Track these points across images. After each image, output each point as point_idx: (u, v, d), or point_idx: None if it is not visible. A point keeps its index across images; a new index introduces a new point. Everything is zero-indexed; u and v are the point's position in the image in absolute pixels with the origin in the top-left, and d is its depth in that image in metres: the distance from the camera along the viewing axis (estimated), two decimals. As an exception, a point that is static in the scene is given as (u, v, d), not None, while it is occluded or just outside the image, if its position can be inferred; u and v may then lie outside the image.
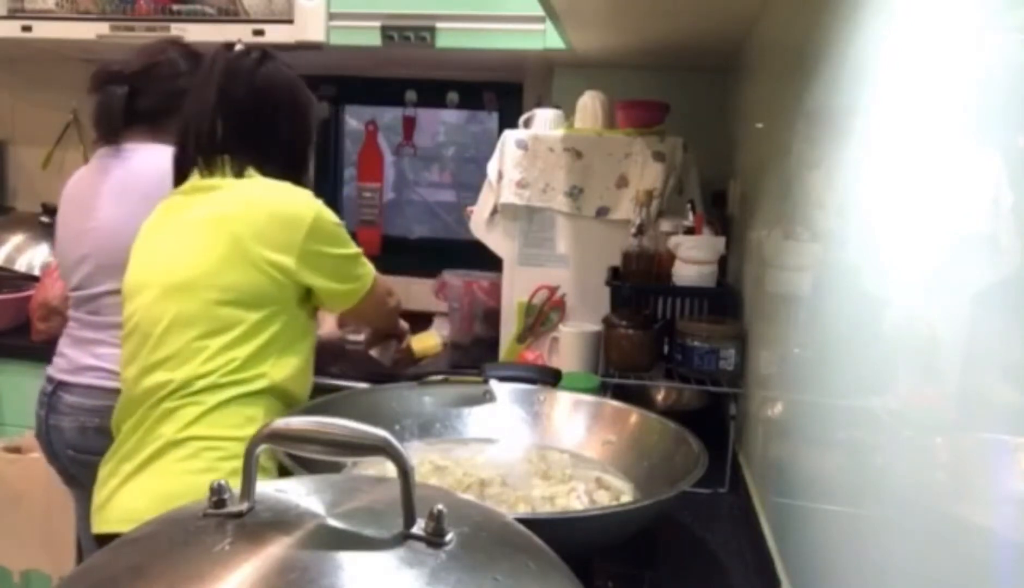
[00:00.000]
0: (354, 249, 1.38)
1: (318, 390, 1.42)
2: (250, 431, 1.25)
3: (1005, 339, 0.45)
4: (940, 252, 0.55)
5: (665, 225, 1.68)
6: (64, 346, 1.61)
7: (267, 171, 1.36)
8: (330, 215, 1.34)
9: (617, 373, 1.53)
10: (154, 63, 1.61)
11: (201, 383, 1.25)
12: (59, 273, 1.77)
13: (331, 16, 2.04)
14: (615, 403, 1.34)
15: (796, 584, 0.96)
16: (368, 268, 1.41)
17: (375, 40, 2.05)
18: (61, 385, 1.56)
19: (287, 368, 1.31)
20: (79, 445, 1.53)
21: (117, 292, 1.52)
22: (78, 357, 1.57)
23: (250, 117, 1.37)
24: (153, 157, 1.56)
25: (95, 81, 1.60)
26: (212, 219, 1.29)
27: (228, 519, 0.51)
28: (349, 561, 0.47)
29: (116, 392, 1.49)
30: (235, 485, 0.53)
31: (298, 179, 1.39)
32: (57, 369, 1.59)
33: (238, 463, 1.32)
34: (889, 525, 0.63)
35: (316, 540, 0.49)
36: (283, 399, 1.32)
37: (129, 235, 1.44)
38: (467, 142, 3.05)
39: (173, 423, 1.26)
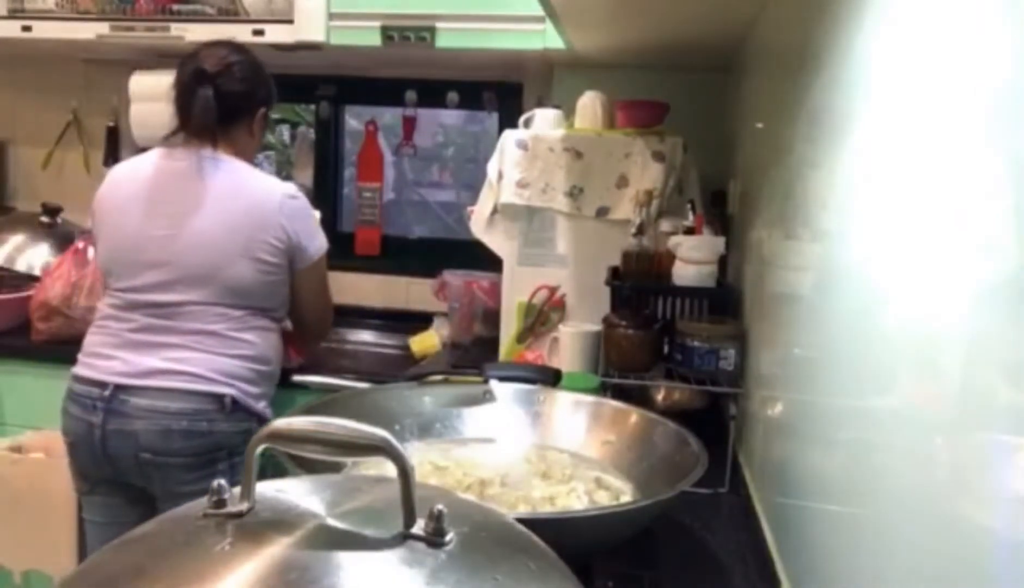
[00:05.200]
0: None
1: (319, 390, 1.42)
2: None
3: (1005, 339, 0.45)
4: (940, 252, 0.55)
5: (665, 225, 1.68)
6: (112, 349, 1.54)
7: None
8: None
9: (617, 373, 1.52)
10: (229, 64, 1.61)
11: None
12: (100, 267, 1.66)
13: (331, 16, 2.04)
14: (615, 403, 1.34)
15: (796, 584, 0.96)
16: None
17: (375, 40, 2.05)
18: (121, 388, 1.50)
19: None
20: (160, 448, 1.49)
21: (199, 302, 1.53)
22: (143, 360, 1.51)
23: None
24: (252, 174, 1.60)
25: (194, 77, 1.58)
26: None
27: (228, 519, 0.51)
28: (349, 561, 0.47)
29: (201, 395, 1.51)
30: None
31: None
32: (110, 372, 1.52)
33: None
34: (889, 525, 0.63)
35: (316, 540, 0.49)
36: None
37: (227, 250, 1.50)
38: (467, 142, 3.05)
39: None
